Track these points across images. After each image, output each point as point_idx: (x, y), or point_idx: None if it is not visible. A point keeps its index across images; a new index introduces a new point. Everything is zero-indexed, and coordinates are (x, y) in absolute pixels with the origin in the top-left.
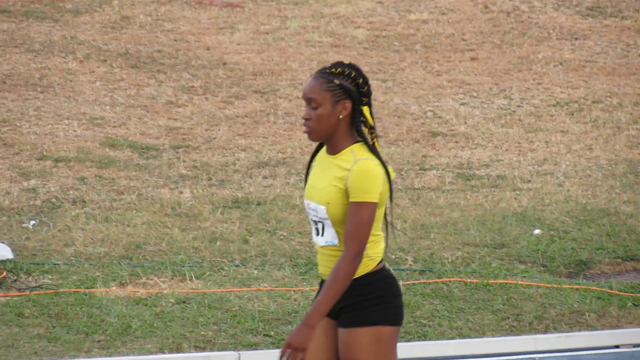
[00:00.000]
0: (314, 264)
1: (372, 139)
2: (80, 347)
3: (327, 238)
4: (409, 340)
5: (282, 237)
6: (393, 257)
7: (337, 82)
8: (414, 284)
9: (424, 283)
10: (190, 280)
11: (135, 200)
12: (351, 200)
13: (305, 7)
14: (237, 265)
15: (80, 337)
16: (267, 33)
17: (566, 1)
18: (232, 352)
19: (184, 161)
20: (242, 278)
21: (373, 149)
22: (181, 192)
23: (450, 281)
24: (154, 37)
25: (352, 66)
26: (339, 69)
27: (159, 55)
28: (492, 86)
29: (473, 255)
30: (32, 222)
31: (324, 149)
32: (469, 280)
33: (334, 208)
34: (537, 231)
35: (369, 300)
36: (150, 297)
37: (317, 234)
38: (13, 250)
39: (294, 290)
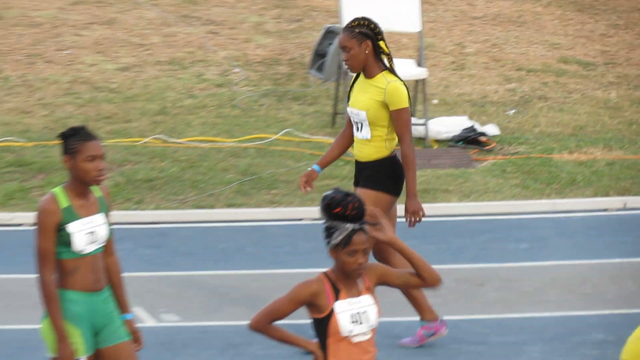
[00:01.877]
0: None
1: (389, 63)
2: (542, 192)
3: (364, 134)
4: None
5: None
6: None
7: (357, 30)
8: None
9: None
10: (614, 149)
11: (579, 97)
12: (392, 109)
13: None
14: None
15: (543, 185)
16: None
17: None
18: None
19: (611, 73)
20: None
21: (395, 73)
22: (609, 93)
23: None
24: None
25: (364, 18)
26: (356, 22)
27: (596, 3)
28: None
29: None
30: (512, 111)
31: (361, 76)
32: None
33: (372, 113)
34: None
35: (379, 173)
36: (588, 161)
37: (357, 130)
38: (499, 129)
39: None
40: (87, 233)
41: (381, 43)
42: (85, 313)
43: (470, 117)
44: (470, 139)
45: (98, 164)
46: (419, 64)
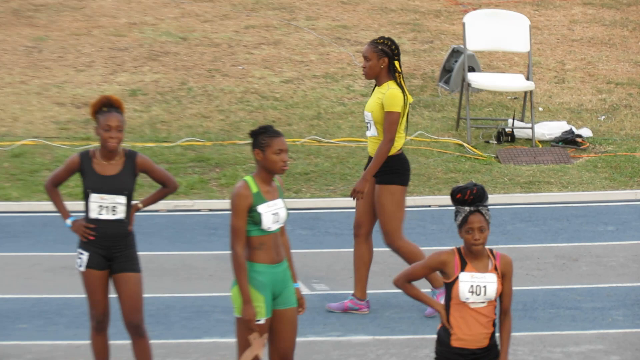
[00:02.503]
0: None
1: (400, 79)
2: (626, 184)
3: (372, 132)
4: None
5: None
6: None
7: (380, 47)
8: None
9: None
10: None
11: None
12: (385, 110)
13: None
14: None
15: (627, 178)
16: None
17: None
18: None
19: None
20: None
21: (400, 84)
22: None
23: None
24: None
25: (389, 39)
26: (381, 40)
27: None
28: None
29: None
30: (603, 117)
31: (375, 89)
32: None
33: (375, 114)
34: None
35: (391, 169)
36: None
37: (368, 129)
38: (592, 132)
39: None
40: (272, 214)
41: (396, 63)
42: (268, 282)
43: (569, 122)
44: (568, 140)
45: (283, 157)
46: (528, 78)
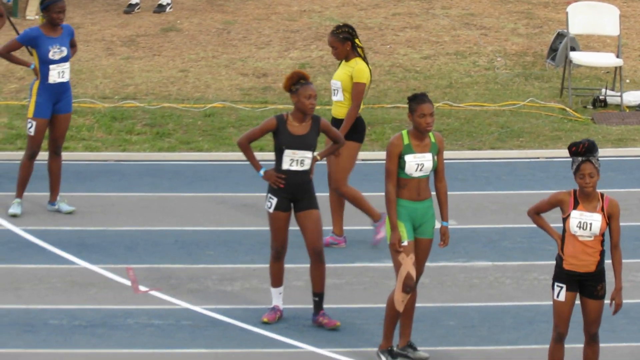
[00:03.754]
0: None
1: (362, 53)
2: None
3: (339, 97)
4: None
5: None
6: None
7: (341, 36)
8: None
9: None
10: None
11: None
12: (353, 81)
13: None
14: None
15: None
16: None
17: None
18: None
19: None
20: None
21: (365, 59)
22: None
23: None
24: None
25: (344, 24)
26: (339, 29)
27: None
28: None
29: None
30: None
31: (342, 62)
32: None
33: (344, 84)
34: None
35: (352, 129)
36: None
37: (334, 95)
38: None
39: None
40: (416, 164)
41: (357, 40)
42: (408, 214)
43: None
44: None
45: (427, 119)
46: (617, 56)
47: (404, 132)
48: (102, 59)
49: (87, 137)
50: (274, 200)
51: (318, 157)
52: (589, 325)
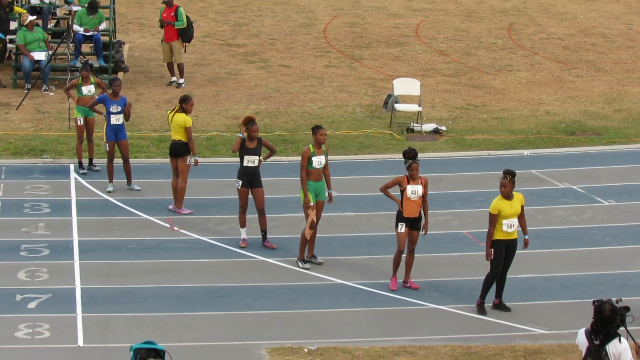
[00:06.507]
0: None
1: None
2: None
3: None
4: None
5: None
6: None
7: None
8: None
9: None
10: None
11: None
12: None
13: None
14: None
15: None
16: None
17: None
18: None
19: None
20: None
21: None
22: None
23: None
24: None
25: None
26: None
27: None
28: None
29: None
30: None
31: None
32: None
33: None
34: None
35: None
36: None
37: None
38: None
39: None
40: (318, 161)
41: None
42: (312, 188)
43: None
44: None
45: (323, 137)
46: (419, 105)
47: (310, 145)
48: (154, 110)
49: (147, 150)
50: (240, 182)
51: (262, 159)
52: (411, 244)
